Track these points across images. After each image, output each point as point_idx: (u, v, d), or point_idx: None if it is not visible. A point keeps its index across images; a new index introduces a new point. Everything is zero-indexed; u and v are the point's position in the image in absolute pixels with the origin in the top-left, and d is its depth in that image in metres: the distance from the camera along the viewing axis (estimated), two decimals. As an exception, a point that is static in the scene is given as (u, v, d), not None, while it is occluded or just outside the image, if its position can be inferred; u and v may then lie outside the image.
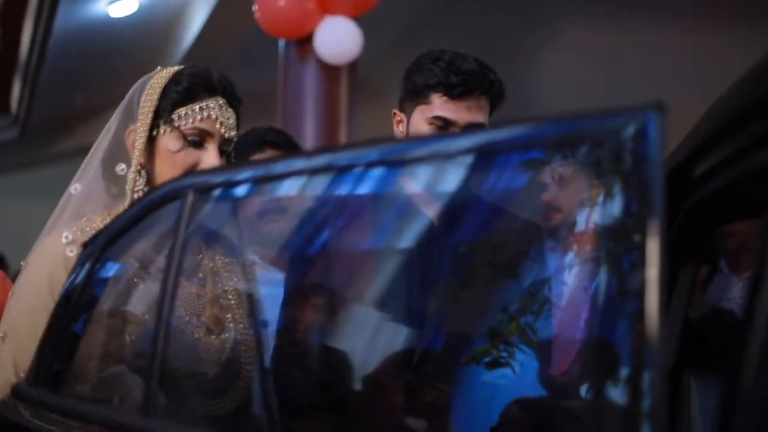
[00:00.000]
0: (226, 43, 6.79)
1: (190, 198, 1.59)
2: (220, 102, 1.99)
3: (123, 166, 2.00)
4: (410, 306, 1.88)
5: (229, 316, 1.94)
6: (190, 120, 1.96)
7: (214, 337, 1.89)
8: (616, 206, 1.07)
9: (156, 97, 1.98)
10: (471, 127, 2.24)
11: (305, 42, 4.61)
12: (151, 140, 1.99)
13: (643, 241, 1.02)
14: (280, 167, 1.60)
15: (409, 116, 2.34)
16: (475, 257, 1.71)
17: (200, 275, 1.96)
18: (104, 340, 1.81)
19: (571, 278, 1.67)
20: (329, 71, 4.40)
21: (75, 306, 1.79)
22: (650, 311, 1.01)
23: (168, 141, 1.96)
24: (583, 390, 1.26)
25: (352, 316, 1.82)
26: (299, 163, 1.57)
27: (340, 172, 1.50)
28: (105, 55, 7.77)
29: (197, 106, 1.97)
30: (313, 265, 1.85)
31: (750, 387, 1.05)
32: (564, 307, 1.64)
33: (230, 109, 2.01)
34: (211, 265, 1.98)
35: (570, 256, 1.63)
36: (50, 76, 7.82)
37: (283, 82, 4.54)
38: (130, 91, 2.06)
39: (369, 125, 4.48)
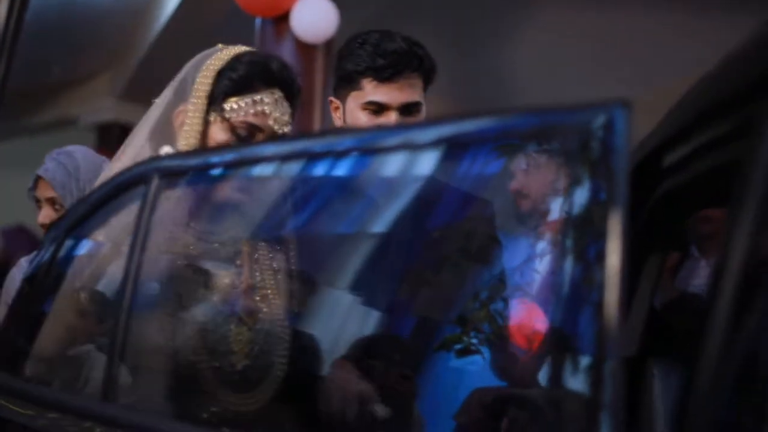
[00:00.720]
0: (203, 20, 6.75)
1: (155, 182, 1.59)
2: (276, 96, 1.88)
3: (168, 148, 1.88)
4: (381, 293, 1.88)
5: (265, 308, 1.87)
6: (242, 113, 1.85)
7: (245, 329, 1.82)
8: (582, 197, 1.10)
9: (210, 80, 1.87)
10: (406, 108, 2.25)
11: (282, 20, 4.59)
12: (207, 126, 1.88)
13: (606, 231, 1.05)
14: (248, 152, 1.59)
15: (344, 103, 2.33)
16: (440, 246, 1.71)
17: (237, 263, 1.89)
18: (67, 322, 1.79)
19: (536, 267, 1.66)
20: (305, 49, 4.38)
21: (38, 289, 1.77)
22: (610, 300, 1.03)
23: (216, 130, 1.86)
24: (545, 379, 1.26)
25: (323, 302, 1.82)
26: (268, 149, 1.57)
27: (310, 159, 1.51)
28: (82, 27, 7.70)
29: (251, 99, 1.86)
30: (278, 252, 1.84)
31: (705, 374, 1.07)
32: (528, 295, 1.65)
33: (286, 103, 1.90)
34: (250, 252, 1.91)
35: (536, 245, 1.63)
36: (27, 47, 7.76)
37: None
38: (185, 68, 1.96)
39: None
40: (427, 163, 1.38)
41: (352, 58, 2.30)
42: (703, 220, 2.73)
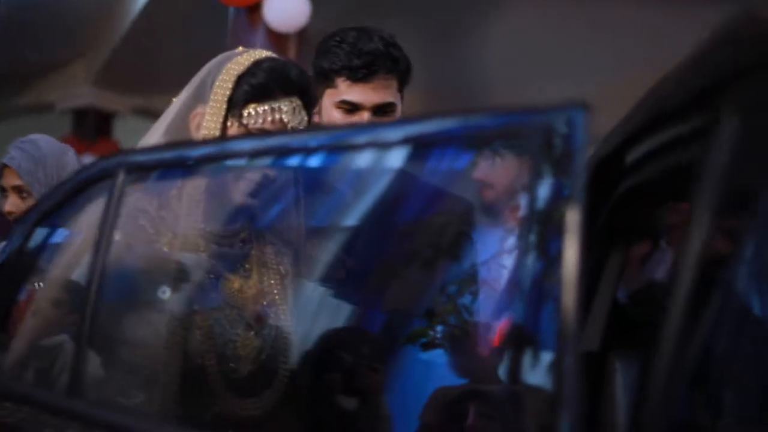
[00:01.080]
0: (177, 8, 6.72)
1: (120, 177, 1.59)
2: (294, 104, 1.86)
3: None
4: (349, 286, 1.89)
5: (272, 313, 1.87)
6: (260, 120, 1.83)
7: (252, 334, 1.83)
8: (542, 194, 1.13)
9: (230, 85, 1.85)
10: (379, 108, 2.26)
11: (254, 9, 4.58)
12: (225, 131, 1.85)
13: (564, 228, 1.08)
14: (212, 149, 1.60)
15: (320, 99, 2.32)
16: (404, 243, 1.74)
17: (246, 267, 1.88)
18: (33, 317, 1.79)
19: (498, 263, 1.68)
20: (278, 39, 4.38)
21: (4, 283, 1.78)
22: (568, 296, 1.06)
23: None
24: (505, 374, 1.29)
25: (296, 296, 1.85)
26: (238, 145, 1.58)
27: (277, 155, 1.54)
28: (58, 13, 7.65)
29: (269, 106, 1.83)
30: (247, 249, 1.86)
31: (659, 367, 1.10)
32: (489, 290, 1.67)
33: (304, 111, 1.88)
34: (259, 256, 1.90)
35: (497, 243, 1.65)
36: (2, 33, 7.71)
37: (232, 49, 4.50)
38: (204, 70, 1.94)
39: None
40: (394, 161, 1.42)
41: (328, 56, 2.30)
42: (672, 210, 2.75)
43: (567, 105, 1.12)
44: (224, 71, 1.87)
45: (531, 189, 1.14)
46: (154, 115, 8.12)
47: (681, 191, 1.59)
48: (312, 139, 1.44)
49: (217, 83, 1.86)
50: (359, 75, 2.25)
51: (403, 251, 1.78)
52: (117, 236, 1.64)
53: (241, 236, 1.87)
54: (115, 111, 7.99)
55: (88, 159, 7.50)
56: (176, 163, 1.61)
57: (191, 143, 1.68)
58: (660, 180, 1.56)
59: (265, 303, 1.86)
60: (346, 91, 2.28)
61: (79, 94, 7.81)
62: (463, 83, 7.54)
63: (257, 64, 1.87)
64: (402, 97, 2.37)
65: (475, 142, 1.33)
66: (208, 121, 1.83)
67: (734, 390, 1.17)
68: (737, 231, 1.19)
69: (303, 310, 1.89)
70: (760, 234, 1.19)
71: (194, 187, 1.72)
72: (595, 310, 1.90)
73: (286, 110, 1.84)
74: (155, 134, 1.88)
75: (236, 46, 4.68)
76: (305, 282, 1.89)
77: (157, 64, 7.19)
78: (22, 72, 8.15)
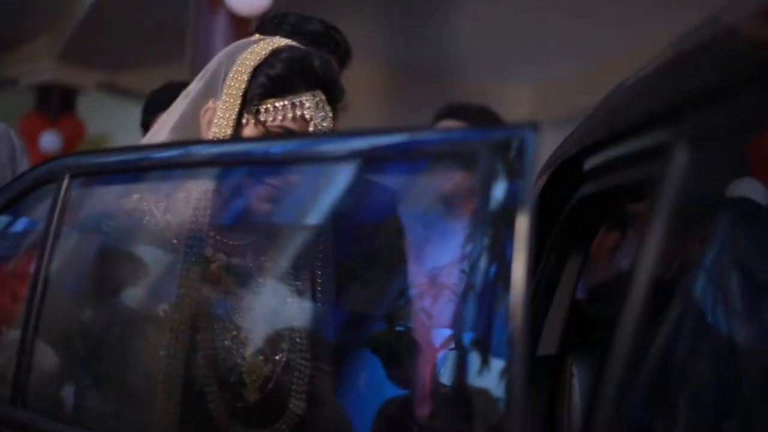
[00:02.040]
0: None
1: (66, 181, 1.55)
2: (317, 99, 1.68)
3: None
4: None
5: (287, 336, 1.68)
6: (279, 117, 1.66)
7: (261, 359, 1.64)
8: (494, 206, 1.15)
9: (245, 78, 1.67)
10: None
11: (215, -8, 4.53)
12: (239, 128, 1.69)
13: (512, 242, 1.09)
14: (159, 154, 1.57)
15: None
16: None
17: (258, 281, 1.70)
18: None
19: (449, 271, 1.66)
20: (239, 22, 4.32)
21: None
22: (515, 302, 1.06)
23: (249, 134, 1.67)
24: (453, 381, 1.31)
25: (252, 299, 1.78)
26: (180, 153, 1.54)
27: (226, 165, 1.52)
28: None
29: (290, 101, 1.66)
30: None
31: (610, 372, 1.10)
32: (440, 297, 1.65)
33: (328, 107, 1.71)
34: (273, 269, 1.72)
35: (447, 252, 1.63)
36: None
37: (194, 31, 4.46)
38: (216, 60, 1.75)
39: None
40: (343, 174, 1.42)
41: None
42: (628, 217, 2.75)
43: (520, 126, 1.15)
44: (238, 62, 1.70)
45: (481, 202, 1.17)
46: (118, 90, 8.08)
47: (637, 199, 1.60)
48: (261, 149, 1.41)
49: (231, 75, 1.68)
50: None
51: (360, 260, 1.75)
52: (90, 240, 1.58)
53: (254, 246, 1.69)
54: (79, 86, 7.89)
55: (51, 135, 7.47)
56: (126, 168, 1.57)
57: (139, 148, 1.62)
58: (616, 190, 1.56)
59: (278, 324, 1.69)
60: None
61: (43, 69, 7.71)
62: (432, 62, 7.50)
63: (275, 54, 1.70)
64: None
65: (430, 156, 1.31)
66: (219, 118, 1.67)
67: (687, 395, 1.19)
68: (691, 240, 1.20)
69: (323, 334, 1.75)
70: (714, 245, 1.20)
71: (201, 190, 1.59)
72: (553, 313, 1.89)
73: (308, 105, 1.67)
74: (162, 131, 1.74)
75: (198, 30, 4.57)
76: (326, 302, 1.72)
77: (122, 39, 7.10)
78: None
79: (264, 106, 1.66)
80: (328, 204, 1.58)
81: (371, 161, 1.32)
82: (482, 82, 7.38)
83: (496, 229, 1.15)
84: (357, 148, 1.31)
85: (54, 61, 7.69)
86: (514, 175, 1.14)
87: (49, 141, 7.27)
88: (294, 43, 1.76)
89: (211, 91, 1.71)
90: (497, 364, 1.09)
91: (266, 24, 2.27)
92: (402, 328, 1.70)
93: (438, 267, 1.64)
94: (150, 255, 1.65)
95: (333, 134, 1.56)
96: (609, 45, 6.51)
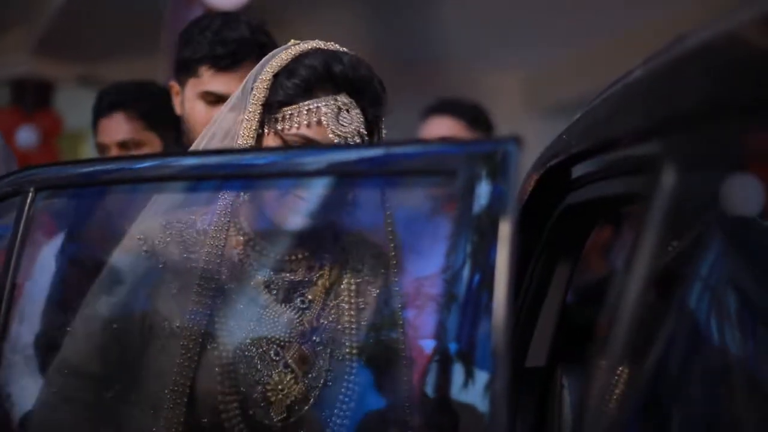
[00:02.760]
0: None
1: (30, 195, 1.49)
2: (340, 102, 1.58)
3: None
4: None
5: (325, 356, 1.59)
6: (295, 124, 1.57)
7: (291, 378, 1.56)
8: (476, 220, 1.16)
9: (266, 86, 1.60)
10: None
11: (192, -14, 4.46)
12: (260, 139, 1.61)
13: (494, 253, 1.11)
14: (134, 167, 1.50)
15: (183, 89, 2.20)
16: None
17: (304, 296, 1.62)
18: None
19: (432, 282, 1.62)
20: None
21: None
22: (497, 315, 1.08)
23: (270, 145, 1.60)
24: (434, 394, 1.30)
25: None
26: (151, 165, 1.48)
27: (197, 178, 1.48)
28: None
29: (305, 107, 1.57)
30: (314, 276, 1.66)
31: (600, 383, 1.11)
32: (422, 307, 1.61)
33: (356, 111, 1.59)
34: (328, 285, 1.63)
35: (430, 265, 1.59)
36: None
37: (170, 25, 4.39)
38: (254, 69, 1.68)
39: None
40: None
41: (191, 44, 2.16)
42: (615, 226, 2.73)
43: (503, 140, 1.16)
44: (265, 70, 1.63)
45: (465, 214, 1.18)
46: (97, 83, 7.98)
47: (626, 207, 1.57)
48: (231, 164, 1.35)
49: (256, 84, 1.62)
50: (223, 63, 2.11)
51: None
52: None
53: (308, 262, 1.62)
54: (56, 80, 7.80)
55: (27, 131, 7.38)
56: (93, 181, 1.50)
57: (107, 160, 1.56)
58: (604, 199, 1.53)
59: (319, 340, 1.59)
60: (210, 80, 2.13)
61: (18, 62, 7.61)
62: (419, 52, 7.43)
63: (298, 60, 1.62)
64: None
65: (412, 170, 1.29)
66: (244, 129, 1.60)
67: (676, 408, 1.18)
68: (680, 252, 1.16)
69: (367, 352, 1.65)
70: (703, 258, 1.19)
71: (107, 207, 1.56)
72: (541, 324, 1.85)
73: (325, 111, 1.56)
74: (212, 143, 1.67)
75: (174, 24, 4.47)
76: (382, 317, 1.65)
77: (98, 30, 7.01)
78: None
79: (281, 115, 1.59)
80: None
81: (351, 176, 1.29)
82: (470, 71, 7.32)
83: (478, 243, 1.16)
84: (339, 161, 1.28)
85: (29, 54, 7.60)
86: (497, 188, 1.15)
87: (26, 137, 7.18)
88: (324, 45, 1.67)
89: (240, 103, 1.65)
90: (481, 376, 1.10)
91: (191, 29, 2.19)
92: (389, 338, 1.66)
93: (422, 277, 1.60)
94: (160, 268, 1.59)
95: (310, 148, 1.50)
96: (600, 30, 6.45)
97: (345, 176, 1.28)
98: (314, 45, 1.65)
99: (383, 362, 1.62)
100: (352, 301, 1.63)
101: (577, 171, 1.57)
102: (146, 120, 2.61)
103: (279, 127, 1.58)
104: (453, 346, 1.18)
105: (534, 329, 1.83)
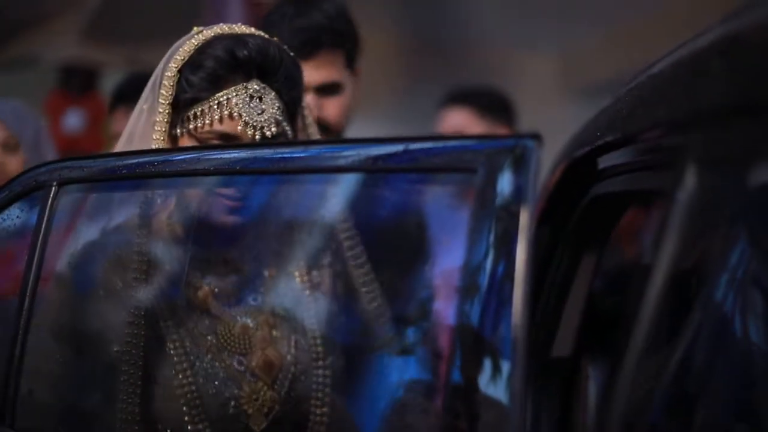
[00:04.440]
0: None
1: (53, 189, 1.49)
2: (251, 90, 1.48)
3: None
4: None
5: (290, 352, 1.50)
6: (207, 121, 1.47)
7: (262, 385, 1.48)
8: (496, 212, 1.15)
9: (171, 83, 1.50)
10: (323, 89, 2.09)
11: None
12: (176, 141, 1.52)
13: (513, 246, 1.10)
14: (159, 160, 1.49)
15: None
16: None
17: (256, 295, 1.51)
18: None
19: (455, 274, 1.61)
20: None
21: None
22: (516, 304, 1.08)
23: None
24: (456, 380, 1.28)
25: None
26: (175, 161, 1.47)
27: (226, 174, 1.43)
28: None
29: (215, 102, 1.47)
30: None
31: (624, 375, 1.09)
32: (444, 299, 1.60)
33: (269, 96, 1.49)
34: (276, 276, 1.53)
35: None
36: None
37: (212, 7, 4.41)
38: (159, 66, 1.56)
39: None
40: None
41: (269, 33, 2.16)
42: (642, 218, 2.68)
43: (522, 136, 1.16)
44: (169, 66, 1.51)
45: (487, 208, 1.17)
46: (143, 66, 8.04)
47: (652, 201, 1.54)
48: (248, 159, 1.35)
49: (163, 82, 1.51)
50: (303, 51, 2.02)
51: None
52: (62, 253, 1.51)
53: (252, 258, 1.54)
54: (103, 63, 7.86)
55: (75, 114, 7.44)
56: (116, 176, 1.49)
57: (131, 154, 1.55)
58: (630, 192, 1.50)
59: (279, 336, 1.50)
60: None
61: (66, 47, 7.68)
62: (447, 36, 7.37)
63: (201, 50, 1.50)
64: (356, 72, 2.19)
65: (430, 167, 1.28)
66: (157, 133, 1.51)
67: (701, 399, 1.16)
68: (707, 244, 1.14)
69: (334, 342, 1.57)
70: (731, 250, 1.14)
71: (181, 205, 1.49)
72: (567, 314, 1.84)
73: (236, 102, 1.46)
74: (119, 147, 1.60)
75: (215, 4, 4.46)
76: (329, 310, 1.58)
77: (144, 14, 7.05)
78: (6, 26, 8.04)
79: (191, 113, 1.50)
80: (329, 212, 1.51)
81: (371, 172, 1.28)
82: (501, 53, 7.25)
83: (498, 240, 1.15)
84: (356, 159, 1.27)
85: (77, 38, 7.66)
86: (516, 186, 1.13)
87: (74, 120, 7.24)
88: (228, 29, 1.55)
89: (153, 102, 1.55)
90: (501, 364, 1.11)
91: (269, 18, 2.13)
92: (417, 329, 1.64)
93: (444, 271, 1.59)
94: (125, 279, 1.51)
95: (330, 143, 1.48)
96: (633, 10, 6.35)
97: (367, 172, 1.27)
98: (217, 31, 1.54)
99: (351, 346, 1.57)
100: (307, 290, 1.51)
101: (603, 162, 1.55)
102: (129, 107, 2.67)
103: (191, 127, 1.49)
104: (470, 336, 1.19)
105: (560, 320, 1.82)
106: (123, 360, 1.44)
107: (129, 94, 2.68)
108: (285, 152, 1.34)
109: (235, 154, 1.43)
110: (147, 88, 1.58)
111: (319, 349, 1.50)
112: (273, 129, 1.48)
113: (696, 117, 1.10)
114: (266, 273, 1.53)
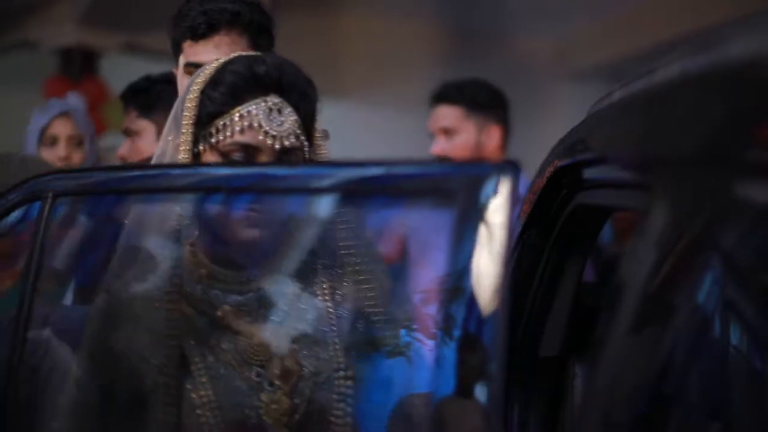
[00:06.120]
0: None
1: (49, 200, 1.52)
2: (270, 103, 1.52)
3: None
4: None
5: (310, 361, 1.54)
6: (228, 133, 1.51)
7: (281, 393, 1.51)
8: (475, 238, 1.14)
9: (195, 103, 1.55)
10: None
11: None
12: (198, 158, 1.56)
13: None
14: (157, 174, 1.52)
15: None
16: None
17: (277, 308, 1.56)
18: None
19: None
20: None
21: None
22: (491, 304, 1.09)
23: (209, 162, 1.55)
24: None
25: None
26: (171, 177, 1.49)
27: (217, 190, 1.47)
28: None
29: (236, 114, 1.52)
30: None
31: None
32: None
33: (288, 110, 1.53)
34: (299, 291, 1.56)
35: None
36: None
37: None
38: (180, 96, 1.63)
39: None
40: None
41: (176, 22, 2.13)
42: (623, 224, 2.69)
43: (501, 164, 1.16)
44: (192, 88, 1.58)
45: (464, 231, 1.17)
46: (143, 51, 8.04)
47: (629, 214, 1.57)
48: (244, 178, 1.37)
49: (186, 104, 1.57)
50: (198, 32, 2.06)
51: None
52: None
53: (273, 273, 1.57)
54: (103, 48, 7.86)
55: (74, 97, 7.44)
56: (113, 189, 1.52)
57: (129, 167, 1.57)
58: (610, 205, 1.53)
59: (299, 347, 1.54)
60: (189, 52, 2.08)
61: (65, 31, 7.68)
62: (482, 22, 7.34)
63: (222, 68, 1.57)
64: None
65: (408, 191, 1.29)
66: (182, 152, 1.55)
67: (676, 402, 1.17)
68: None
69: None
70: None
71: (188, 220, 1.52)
72: (555, 314, 1.87)
73: (256, 113, 1.51)
74: None
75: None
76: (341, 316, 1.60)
77: (143, -1, 7.05)
78: (5, 11, 8.02)
79: (214, 127, 1.54)
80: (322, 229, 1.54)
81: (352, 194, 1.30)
82: (503, 39, 7.25)
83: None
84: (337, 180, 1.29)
85: (76, 23, 7.66)
86: (494, 211, 1.13)
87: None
88: (247, 53, 1.64)
89: (176, 125, 1.60)
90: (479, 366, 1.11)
91: (179, 10, 2.13)
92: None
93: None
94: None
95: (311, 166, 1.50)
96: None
97: (348, 194, 1.29)
98: (235, 55, 1.62)
99: (373, 354, 1.61)
100: (328, 299, 1.58)
101: (586, 174, 1.58)
102: (140, 109, 2.71)
103: (213, 141, 1.54)
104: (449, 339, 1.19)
105: (547, 319, 1.85)
106: (149, 377, 1.50)
107: (140, 93, 2.74)
108: (268, 171, 1.36)
109: (220, 171, 1.47)
110: (169, 120, 1.64)
111: (341, 360, 1.55)
112: (292, 140, 1.53)
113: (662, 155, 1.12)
114: (288, 289, 1.57)
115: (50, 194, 1.52)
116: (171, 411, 1.48)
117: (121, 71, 8.17)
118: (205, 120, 1.55)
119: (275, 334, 1.55)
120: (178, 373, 1.49)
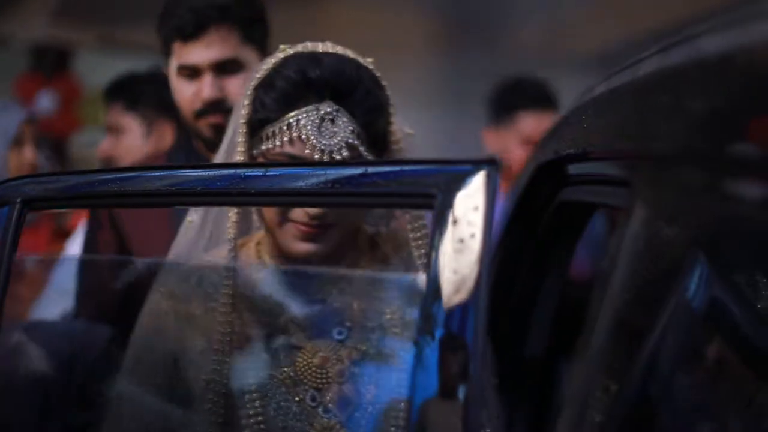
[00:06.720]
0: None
1: (17, 206, 1.47)
2: (322, 112, 1.40)
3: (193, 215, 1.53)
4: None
5: (369, 390, 1.45)
6: (277, 143, 1.41)
7: (335, 422, 1.42)
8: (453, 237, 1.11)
9: (248, 102, 1.46)
10: (219, 67, 1.99)
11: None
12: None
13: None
14: (122, 179, 1.47)
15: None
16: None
17: (342, 325, 1.46)
18: None
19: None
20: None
21: None
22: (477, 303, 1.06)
23: None
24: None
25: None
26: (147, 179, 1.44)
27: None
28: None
29: (285, 123, 1.40)
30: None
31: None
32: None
33: (343, 119, 1.40)
34: (364, 306, 1.47)
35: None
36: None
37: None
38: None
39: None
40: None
41: (163, 21, 2.05)
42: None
43: (479, 161, 1.13)
44: (248, 85, 1.49)
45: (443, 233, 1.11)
46: (116, 46, 7.97)
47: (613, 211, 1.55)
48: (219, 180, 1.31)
49: (243, 102, 1.48)
50: (188, 32, 1.97)
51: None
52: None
53: (337, 285, 1.48)
54: (76, 43, 7.78)
55: (47, 95, 7.36)
56: (85, 195, 1.47)
57: (100, 172, 1.51)
58: (594, 202, 1.51)
59: (359, 372, 1.44)
60: (180, 54, 2.00)
61: (36, 27, 7.60)
62: (472, 13, 7.30)
63: (276, 69, 1.46)
64: (262, 49, 2.05)
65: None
66: (238, 154, 1.46)
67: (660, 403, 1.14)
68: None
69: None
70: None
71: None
72: (538, 313, 1.85)
73: (304, 123, 1.39)
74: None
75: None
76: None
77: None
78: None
79: (264, 134, 1.44)
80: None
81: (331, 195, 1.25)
82: (491, 25, 7.22)
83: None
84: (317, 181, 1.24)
85: (48, 18, 7.58)
86: (474, 211, 1.10)
87: (46, 101, 7.18)
88: (308, 49, 1.49)
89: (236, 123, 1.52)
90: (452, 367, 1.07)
91: (164, 8, 2.05)
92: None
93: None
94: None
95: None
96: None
97: (327, 196, 1.25)
98: (298, 49, 1.49)
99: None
100: (397, 327, 1.47)
101: (571, 170, 1.56)
102: (127, 103, 2.67)
103: (263, 148, 1.43)
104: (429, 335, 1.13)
105: (532, 319, 1.83)
106: (196, 386, 1.45)
107: (125, 89, 2.71)
108: (245, 173, 1.31)
109: (196, 173, 1.40)
110: (231, 119, 1.56)
111: (404, 389, 1.40)
112: (344, 153, 1.40)
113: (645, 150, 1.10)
114: (354, 305, 1.47)
115: (19, 199, 1.48)
116: (216, 428, 1.42)
117: (95, 66, 8.14)
118: (256, 125, 1.45)
119: (337, 354, 1.45)
120: (227, 385, 1.42)
